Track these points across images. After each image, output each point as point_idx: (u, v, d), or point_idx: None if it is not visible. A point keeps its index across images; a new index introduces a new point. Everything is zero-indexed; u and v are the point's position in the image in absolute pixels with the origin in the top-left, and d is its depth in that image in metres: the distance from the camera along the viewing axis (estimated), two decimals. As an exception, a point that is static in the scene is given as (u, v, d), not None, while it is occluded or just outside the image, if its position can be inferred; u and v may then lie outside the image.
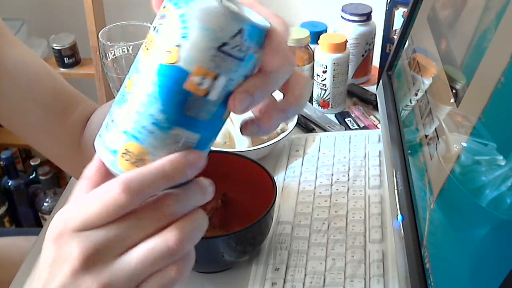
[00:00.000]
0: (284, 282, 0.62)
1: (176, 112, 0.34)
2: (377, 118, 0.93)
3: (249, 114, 0.39)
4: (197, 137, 0.36)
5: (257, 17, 0.38)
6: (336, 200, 0.73)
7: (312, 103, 0.98)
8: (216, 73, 0.34)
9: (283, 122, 0.41)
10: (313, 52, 0.93)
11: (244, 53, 0.34)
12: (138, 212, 0.35)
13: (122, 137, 0.36)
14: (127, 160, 0.36)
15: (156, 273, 0.35)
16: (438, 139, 0.52)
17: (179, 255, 0.35)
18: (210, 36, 0.33)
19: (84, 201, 0.35)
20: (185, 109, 0.34)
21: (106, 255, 0.34)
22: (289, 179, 0.78)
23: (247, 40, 0.34)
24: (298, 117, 0.90)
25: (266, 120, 0.39)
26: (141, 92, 0.35)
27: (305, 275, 0.63)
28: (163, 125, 0.35)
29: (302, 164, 0.81)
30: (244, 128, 0.39)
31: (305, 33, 0.93)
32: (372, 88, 1.01)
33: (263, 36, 0.36)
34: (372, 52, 1.02)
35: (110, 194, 0.34)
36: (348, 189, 0.75)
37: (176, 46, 0.34)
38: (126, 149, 0.36)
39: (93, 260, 0.34)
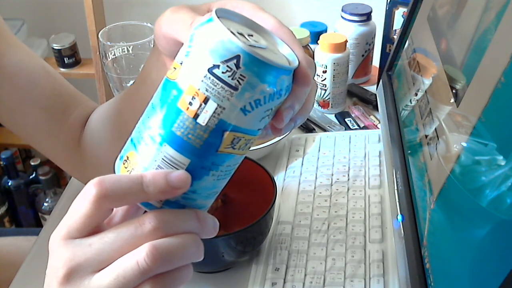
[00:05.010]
0: (284, 282, 0.62)
1: (168, 128, 0.34)
2: (377, 118, 0.93)
3: None
4: (187, 162, 0.35)
5: (286, 54, 0.37)
6: (336, 200, 0.73)
7: (312, 103, 0.98)
8: (205, 96, 0.33)
9: (291, 129, 0.41)
10: (313, 52, 0.93)
11: (237, 82, 0.33)
12: (119, 227, 0.35)
13: (128, 144, 0.37)
14: (125, 167, 0.37)
15: None
16: (438, 139, 0.52)
17: (151, 273, 0.34)
18: (203, 56, 0.34)
19: (71, 207, 0.35)
20: (176, 127, 0.34)
21: (85, 270, 0.34)
22: (289, 179, 0.78)
23: (242, 69, 0.33)
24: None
25: (277, 131, 0.39)
26: (150, 102, 0.36)
27: (305, 275, 0.63)
28: (155, 138, 0.35)
29: (302, 164, 0.81)
30: None
31: (305, 33, 0.93)
32: (372, 88, 1.01)
33: (273, 76, 0.34)
34: (372, 52, 1.02)
35: (84, 193, 0.34)
36: (348, 189, 0.75)
37: (180, 63, 0.35)
38: (127, 157, 0.37)
39: (73, 276, 0.34)
